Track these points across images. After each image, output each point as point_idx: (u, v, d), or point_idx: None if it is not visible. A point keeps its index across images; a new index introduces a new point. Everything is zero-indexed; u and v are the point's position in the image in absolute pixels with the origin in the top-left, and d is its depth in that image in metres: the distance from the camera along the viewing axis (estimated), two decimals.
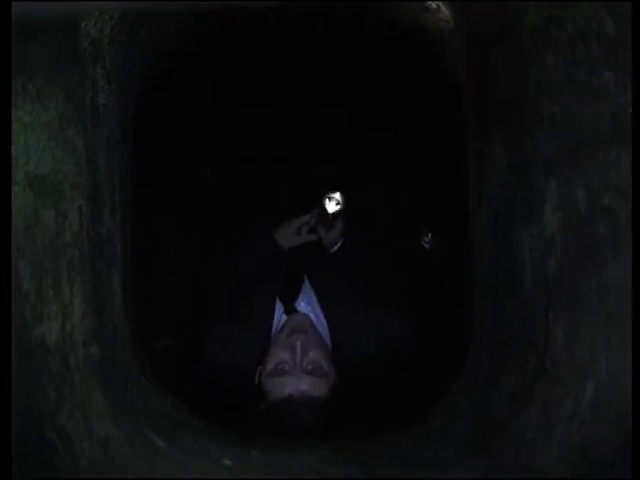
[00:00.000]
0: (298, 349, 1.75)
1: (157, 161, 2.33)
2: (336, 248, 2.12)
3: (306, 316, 1.92)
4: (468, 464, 1.21)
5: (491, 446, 1.23)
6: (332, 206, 2.04)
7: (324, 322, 1.93)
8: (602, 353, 1.02)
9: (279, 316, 1.95)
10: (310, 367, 1.74)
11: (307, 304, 1.96)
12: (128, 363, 1.43)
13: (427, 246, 2.22)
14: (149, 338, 2.04)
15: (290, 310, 1.94)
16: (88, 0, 1.14)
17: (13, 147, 1.02)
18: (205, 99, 2.63)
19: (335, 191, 2.04)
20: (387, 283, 2.09)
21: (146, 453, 1.20)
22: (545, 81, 1.16)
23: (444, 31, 1.64)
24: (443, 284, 2.33)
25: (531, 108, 1.22)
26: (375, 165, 2.63)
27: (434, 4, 1.57)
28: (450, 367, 1.69)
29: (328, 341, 1.91)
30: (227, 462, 1.23)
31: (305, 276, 2.05)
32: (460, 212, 1.79)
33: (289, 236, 2.11)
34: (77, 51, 1.21)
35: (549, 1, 1.11)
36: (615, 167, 0.97)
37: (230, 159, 2.71)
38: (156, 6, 1.32)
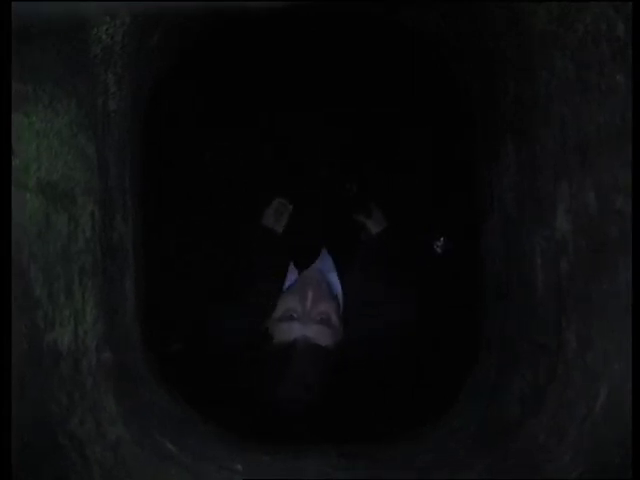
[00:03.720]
0: (309, 299, 1.72)
1: (168, 162, 2.34)
2: (381, 231, 2.09)
3: (319, 270, 1.88)
4: (478, 467, 1.21)
5: (501, 449, 1.23)
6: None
7: (339, 288, 1.89)
8: (615, 357, 1.01)
9: (291, 278, 1.90)
10: (319, 317, 1.71)
11: (320, 269, 1.92)
12: (140, 368, 1.43)
13: (439, 250, 2.21)
14: (161, 343, 2.05)
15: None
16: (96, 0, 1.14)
17: (25, 153, 1.02)
18: (214, 101, 2.63)
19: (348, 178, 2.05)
20: (404, 282, 2.07)
21: (157, 457, 1.20)
22: (555, 83, 1.16)
23: (451, 32, 1.64)
24: (454, 287, 2.32)
25: (540, 110, 1.21)
26: (383, 168, 2.62)
27: None
28: (460, 369, 1.68)
29: (340, 301, 1.87)
30: (237, 467, 1.23)
31: (323, 249, 2.01)
32: (472, 215, 1.79)
33: (271, 220, 2.06)
34: (89, 57, 1.22)
35: (558, 1, 1.11)
36: (626, 169, 0.96)
37: (235, 154, 2.70)
38: (163, 7, 1.32)
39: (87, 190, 1.19)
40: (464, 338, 1.82)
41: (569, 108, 1.12)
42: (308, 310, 1.71)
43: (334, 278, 1.91)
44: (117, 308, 1.33)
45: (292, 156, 2.63)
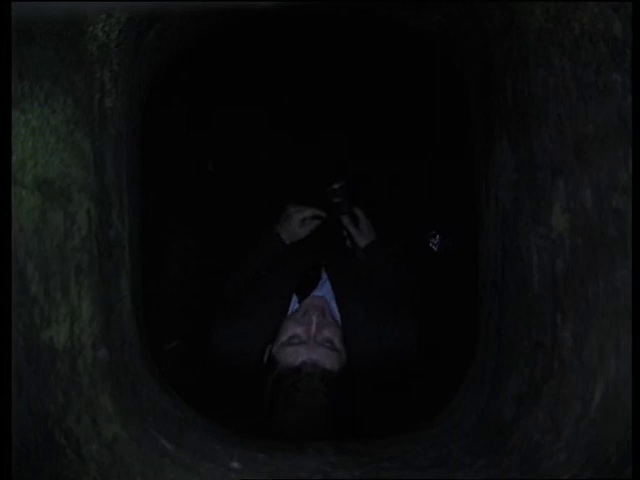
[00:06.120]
0: (313, 324, 1.76)
1: (164, 161, 2.34)
2: (368, 244, 2.11)
3: (322, 298, 1.92)
4: (475, 465, 1.21)
5: (498, 447, 1.23)
6: (340, 195, 2.05)
7: (337, 315, 1.93)
8: (611, 355, 1.01)
9: (293, 305, 1.95)
10: (323, 342, 1.75)
11: (322, 296, 1.96)
12: (136, 365, 1.43)
13: (435, 247, 2.21)
14: (157, 340, 2.05)
15: (304, 298, 1.94)
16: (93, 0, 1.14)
17: (21, 150, 1.02)
18: (211, 99, 2.63)
19: (338, 182, 2.06)
20: (401, 285, 2.08)
21: (154, 455, 1.20)
22: (551, 81, 1.16)
23: (449, 31, 1.64)
24: (450, 285, 2.33)
25: (538, 108, 1.21)
26: (381, 166, 2.62)
27: None
28: (457, 368, 1.68)
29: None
30: (235, 464, 1.23)
31: (323, 272, 2.04)
32: (468, 213, 1.79)
33: (293, 230, 2.09)
34: (85, 54, 1.21)
35: (555, 1, 1.11)
36: (623, 168, 0.97)
37: (234, 155, 2.71)
38: (163, 7, 1.32)
39: (83, 187, 1.19)
40: (461, 336, 1.82)
41: (566, 107, 1.12)
42: (313, 335, 1.75)
43: (334, 309, 1.94)
44: (113, 306, 1.33)
45: (292, 157, 2.63)
